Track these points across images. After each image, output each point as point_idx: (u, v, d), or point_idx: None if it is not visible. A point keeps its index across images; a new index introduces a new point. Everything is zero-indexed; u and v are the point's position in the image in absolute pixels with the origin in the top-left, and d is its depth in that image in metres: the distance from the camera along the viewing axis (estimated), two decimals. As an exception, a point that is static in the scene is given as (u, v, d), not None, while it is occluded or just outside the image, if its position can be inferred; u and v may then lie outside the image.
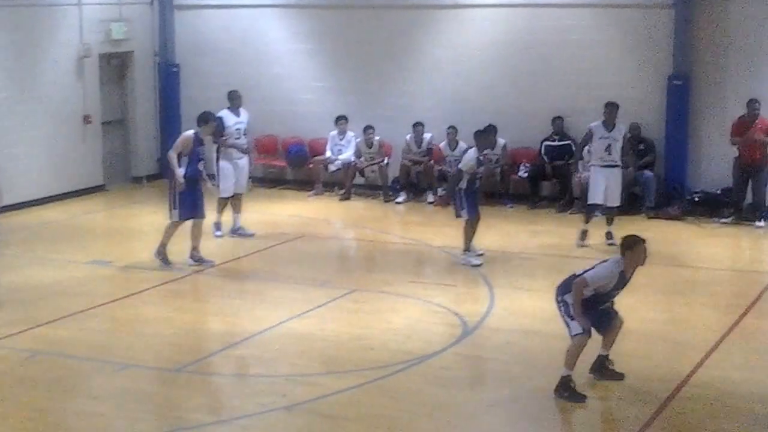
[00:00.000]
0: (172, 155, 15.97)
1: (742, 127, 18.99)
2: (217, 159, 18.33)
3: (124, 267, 16.29)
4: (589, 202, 17.72)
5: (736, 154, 19.12)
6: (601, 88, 20.84)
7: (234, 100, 18.67)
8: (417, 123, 21.74)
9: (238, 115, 18.54)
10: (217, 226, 18.27)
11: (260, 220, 19.62)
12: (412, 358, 11.92)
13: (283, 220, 19.89)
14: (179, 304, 14.63)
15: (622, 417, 10.37)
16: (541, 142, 21.09)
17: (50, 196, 21.41)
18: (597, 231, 17.56)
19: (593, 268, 10.80)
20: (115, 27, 22.84)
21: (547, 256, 16.83)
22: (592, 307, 10.77)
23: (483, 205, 20.69)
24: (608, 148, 17.36)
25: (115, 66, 23.60)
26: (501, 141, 21.08)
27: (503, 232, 18.76)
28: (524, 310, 13.93)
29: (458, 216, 16.49)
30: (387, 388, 11.13)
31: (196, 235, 16.36)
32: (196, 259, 16.36)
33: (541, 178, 21.21)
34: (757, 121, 18.93)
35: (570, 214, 20.14)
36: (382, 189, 22.04)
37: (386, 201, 21.77)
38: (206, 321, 13.78)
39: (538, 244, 17.78)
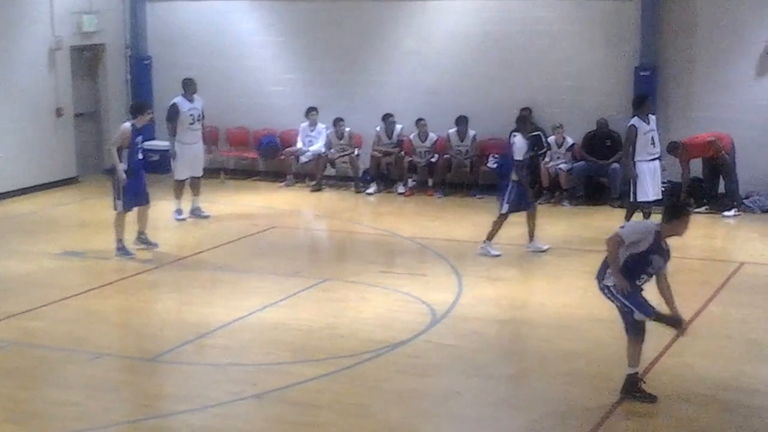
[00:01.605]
0: (113, 150, 16.13)
1: (684, 158, 19.39)
2: (172, 143, 18.81)
3: (97, 258, 16.38)
4: (640, 199, 17.07)
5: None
6: (568, 79, 21.12)
7: (188, 87, 19.08)
8: (387, 114, 21.86)
9: (192, 101, 19.03)
10: (179, 211, 18.62)
11: (232, 211, 19.78)
12: (381, 347, 12.07)
13: (255, 211, 20.00)
14: (152, 294, 14.76)
15: (587, 404, 10.47)
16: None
17: (23, 189, 21.47)
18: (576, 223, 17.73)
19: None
20: (86, 19, 22.85)
21: (516, 245, 16.94)
22: (631, 283, 10.31)
23: (453, 196, 21.12)
24: (653, 141, 17.16)
25: (86, 58, 23.62)
26: (471, 132, 21.33)
27: (473, 222, 18.90)
28: (492, 299, 14.10)
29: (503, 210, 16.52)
30: (357, 376, 11.27)
31: (142, 220, 16.66)
32: (143, 241, 16.68)
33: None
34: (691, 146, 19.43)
35: (538, 204, 20.32)
36: (353, 180, 22.20)
37: (357, 192, 21.90)
38: (179, 311, 13.87)
39: (507, 234, 17.87)
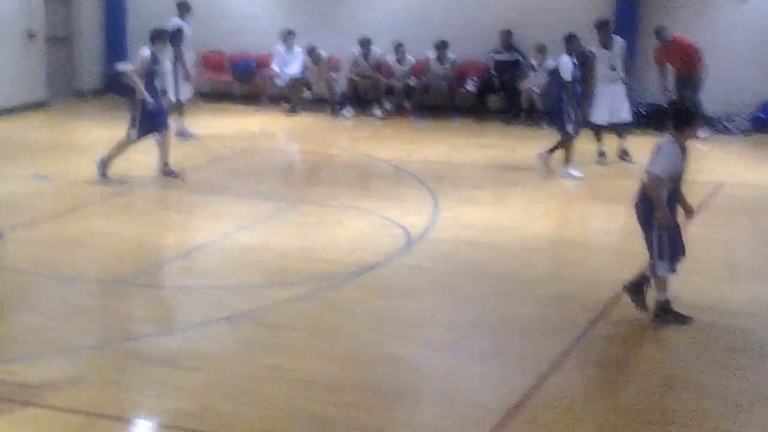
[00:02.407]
0: (136, 79, 15.67)
1: (663, 55, 19.12)
2: (175, 67, 18.72)
3: (69, 181, 16.16)
4: (596, 122, 17.29)
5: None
6: (549, 0, 20.91)
7: (185, 9, 18.98)
8: (364, 39, 21.63)
9: (187, 23, 19.10)
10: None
11: (207, 134, 19.60)
12: (356, 270, 11.96)
13: (230, 134, 19.86)
14: (124, 217, 14.55)
15: (563, 326, 10.38)
16: (489, 55, 21.08)
17: (-8, 112, 21.22)
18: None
19: (654, 161, 10.25)
20: (60, -59, 22.55)
21: (494, 168, 16.89)
22: (671, 205, 10.33)
23: (430, 119, 21.00)
24: (612, 65, 17.17)
25: (59, -19, 23.32)
26: (451, 56, 21.16)
27: (450, 145, 18.83)
28: (468, 222, 13.98)
29: (561, 130, 16.32)
30: (331, 299, 11.16)
31: (164, 148, 16.19)
32: (168, 173, 16.20)
33: (488, 91, 21.25)
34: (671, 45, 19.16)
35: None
36: (329, 103, 21.99)
37: (333, 115, 21.71)
38: (151, 234, 13.71)
39: (484, 157, 17.83)
